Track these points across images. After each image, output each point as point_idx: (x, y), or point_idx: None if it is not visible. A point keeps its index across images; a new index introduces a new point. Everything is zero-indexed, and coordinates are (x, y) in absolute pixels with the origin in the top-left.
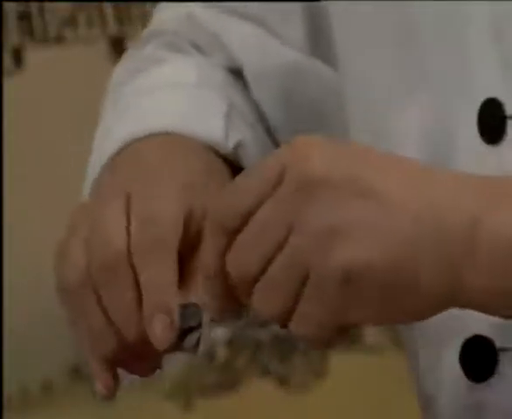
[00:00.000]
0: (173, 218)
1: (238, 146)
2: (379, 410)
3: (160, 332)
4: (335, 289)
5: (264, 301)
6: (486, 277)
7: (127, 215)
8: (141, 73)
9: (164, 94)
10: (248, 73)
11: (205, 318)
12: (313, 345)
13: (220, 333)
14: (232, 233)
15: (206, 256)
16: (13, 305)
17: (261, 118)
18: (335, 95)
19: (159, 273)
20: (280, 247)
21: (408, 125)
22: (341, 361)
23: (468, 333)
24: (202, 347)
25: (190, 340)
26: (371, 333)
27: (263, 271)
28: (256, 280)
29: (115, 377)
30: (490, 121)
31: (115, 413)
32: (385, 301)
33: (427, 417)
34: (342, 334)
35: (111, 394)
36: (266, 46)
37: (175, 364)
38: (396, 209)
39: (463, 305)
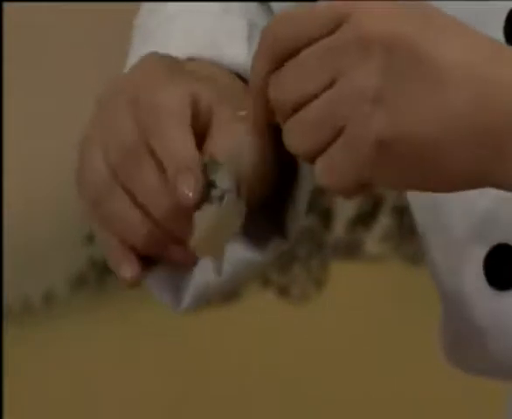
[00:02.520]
0: (180, 99)
1: None
2: (379, 319)
3: (186, 187)
4: (367, 149)
5: (293, 136)
6: None
7: (134, 109)
8: (162, 7)
9: (185, 22)
10: None
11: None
12: (331, 191)
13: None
14: (281, 58)
15: (253, 72)
16: (14, 215)
17: None
18: None
19: (174, 138)
20: (323, 89)
21: None
22: (341, 271)
23: (493, 242)
24: (226, 199)
25: (215, 193)
26: (372, 243)
27: (301, 105)
28: (293, 112)
29: (141, 266)
30: None
31: (116, 322)
32: (415, 172)
33: (445, 317)
34: (363, 190)
35: (137, 281)
36: None
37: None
38: (450, 88)
39: (500, 189)
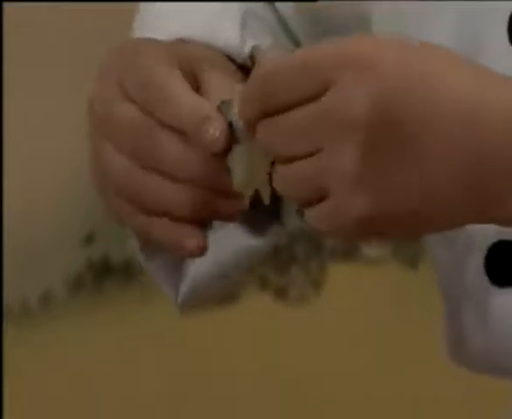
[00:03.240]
0: (167, 62)
1: (254, 51)
2: (378, 321)
3: (212, 134)
4: (349, 223)
5: (281, 184)
6: None
7: (126, 88)
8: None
9: (181, 10)
10: None
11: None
12: (324, 235)
13: None
14: (269, 110)
15: (242, 114)
16: (13, 215)
17: (280, 21)
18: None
19: (179, 99)
20: (308, 154)
21: (438, 38)
22: (339, 273)
23: (493, 239)
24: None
25: (238, 130)
26: (370, 245)
27: (289, 159)
28: (282, 159)
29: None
30: None
31: (114, 323)
32: (400, 234)
33: (449, 317)
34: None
35: (205, 248)
36: None
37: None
38: (431, 162)
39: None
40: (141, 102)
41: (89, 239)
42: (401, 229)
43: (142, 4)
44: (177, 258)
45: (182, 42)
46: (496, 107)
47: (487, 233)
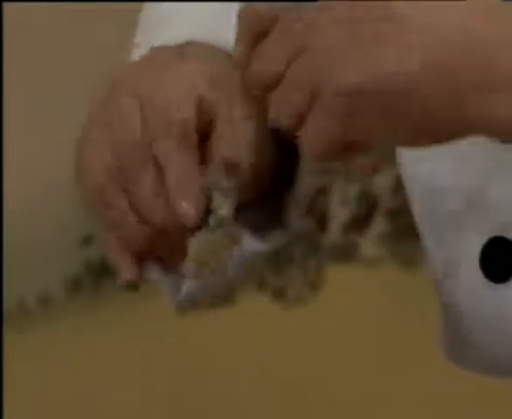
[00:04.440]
0: (185, 103)
1: None
2: (376, 322)
3: (186, 209)
4: (341, 106)
5: (276, 107)
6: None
7: (140, 108)
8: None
9: (187, 8)
10: None
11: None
12: (319, 157)
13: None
14: (259, 35)
15: (237, 52)
16: (12, 216)
17: None
18: None
19: (180, 156)
20: (294, 58)
21: None
22: (337, 274)
23: (490, 235)
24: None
25: (212, 219)
26: (368, 246)
27: (281, 75)
28: (275, 84)
29: (140, 269)
30: None
31: (112, 324)
32: (387, 122)
33: (445, 315)
34: (350, 151)
35: (135, 282)
36: None
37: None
38: (413, 34)
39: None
40: (149, 128)
41: (87, 240)
42: (388, 116)
43: (147, 4)
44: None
45: (189, 43)
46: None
47: (482, 230)
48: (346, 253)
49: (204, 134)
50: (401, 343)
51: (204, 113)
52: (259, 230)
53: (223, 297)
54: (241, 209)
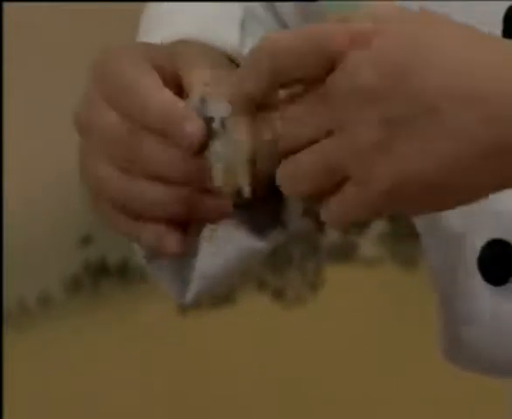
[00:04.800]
0: (143, 61)
1: None
2: (375, 321)
3: (188, 133)
4: (375, 198)
5: (290, 179)
6: None
7: (106, 94)
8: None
9: (181, 8)
10: None
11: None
12: (338, 230)
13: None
14: (274, 86)
15: (242, 89)
16: (12, 216)
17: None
18: None
19: (147, 97)
20: (317, 139)
21: None
22: (336, 274)
23: (488, 237)
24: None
25: (215, 124)
26: (367, 246)
27: (296, 149)
28: (288, 152)
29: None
30: None
31: (112, 324)
32: (427, 205)
33: (443, 316)
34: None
35: (182, 249)
36: None
37: None
38: (447, 116)
39: None
40: (120, 108)
41: (86, 240)
42: (424, 196)
43: (149, 4)
44: (181, 259)
45: (183, 42)
46: (493, 63)
47: (480, 232)
48: (345, 253)
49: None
50: (400, 343)
51: (169, 68)
52: (258, 228)
53: (223, 297)
54: (240, 209)
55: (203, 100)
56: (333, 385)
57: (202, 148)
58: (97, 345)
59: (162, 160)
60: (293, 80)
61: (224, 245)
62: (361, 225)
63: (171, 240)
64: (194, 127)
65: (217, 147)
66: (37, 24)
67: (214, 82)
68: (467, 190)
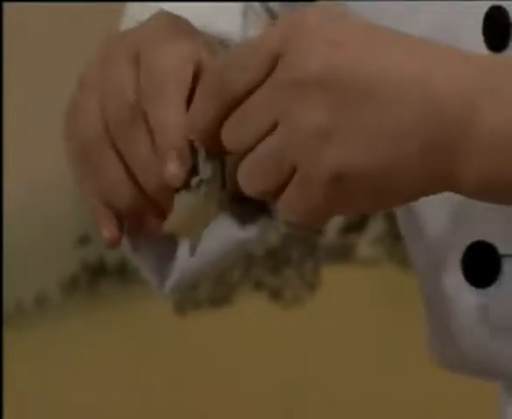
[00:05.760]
0: (180, 63)
1: None
2: (372, 322)
3: (172, 168)
4: (320, 187)
5: (247, 178)
6: (485, 162)
7: (136, 67)
8: None
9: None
10: None
11: (200, 154)
12: (295, 227)
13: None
14: (228, 104)
15: (199, 116)
16: (9, 216)
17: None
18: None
19: (166, 113)
20: (266, 134)
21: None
22: (334, 274)
23: (471, 239)
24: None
25: (194, 180)
26: (365, 246)
27: (249, 150)
28: (244, 154)
29: (121, 229)
30: (495, 29)
31: (109, 325)
32: (370, 200)
33: (429, 318)
34: (323, 220)
35: (115, 243)
36: None
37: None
38: (392, 108)
39: (456, 192)
40: (141, 87)
41: (84, 240)
42: (370, 194)
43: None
44: (163, 249)
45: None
46: (440, 69)
47: (464, 234)
48: (343, 253)
49: None
50: (398, 343)
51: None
52: (243, 219)
53: (221, 297)
54: (231, 201)
55: (196, 152)
56: (331, 384)
57: (178, 189)
58: (95, 345)
59: (143, 163)
60: (242, 93)
61: (208, 235)
62: (314, 231)
63: (106, 229)
64: (176, 171)
65: (184, 199)
66: (37, 24)
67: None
68: (409, 187)
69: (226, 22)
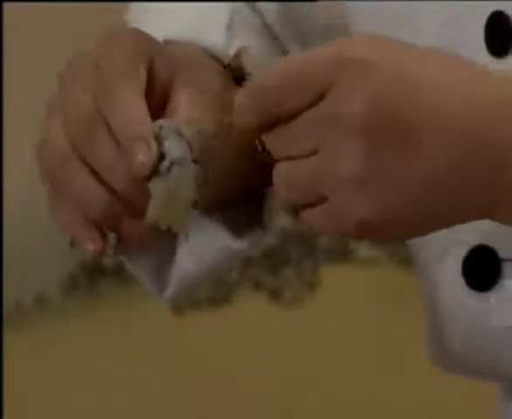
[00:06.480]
0: (131, 60)
1: (240, 52)
2: (372, 322)
3: (140, 157)
4: (349, 226)
5: (281, 184)
6: None
7: (93, 81)
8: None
9: (169, 4)
10: None
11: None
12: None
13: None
14: (269, 119)
15: (240, 121)
16: (9, 215)
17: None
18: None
19: (124, 106)
20: (309, 155)
21: (419, 42)
22: (334, 274)
23: (471, 243)
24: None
25: (164, 164)
26: (365, 246)
27: (290, 159)
28: (282, 159)
29: (104, 238)
30: (497, 34)
31: (109, 325)
32: (402, 238)
33: (429, 319)
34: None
35: (102, 252)
36: None
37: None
38: (432, 160)
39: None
40: (97, 94)
41: None
42: (401, 229)
43: (132, 5)
44: (160, 258)
45: (180, 45)
46: (485, 99)
47: (466, 238)
48: (342, 253)
49: (157, 105)
50: (397, 343)
51: (158, 80)
52: (236, 229)
53: (220, 297)
54: (223, 209)
55: (167, 129)
56: (331, 384)
57: (148, 178)
58: (94, 345)
59: (108, 164)
60: (285, 116)
61: (201, 245)
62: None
63: (89, 242)
64: (145, 158)
65: (158, 185)
66: (37, 24)
67: (199, 106)
68: (434, 229)
69: (210, 35)
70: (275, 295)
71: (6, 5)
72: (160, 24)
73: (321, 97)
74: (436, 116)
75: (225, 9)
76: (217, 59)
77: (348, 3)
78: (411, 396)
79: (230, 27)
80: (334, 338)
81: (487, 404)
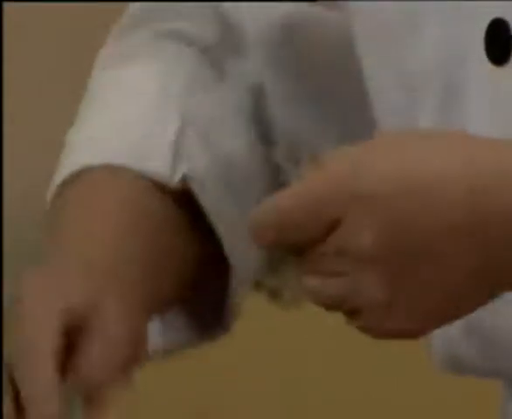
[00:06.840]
0: (48, 325)
1: (186, 178)
2: None
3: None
4: (379, 336)
5: (311, 288)
6: None
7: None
8: (114, 71)
9: (117, 115)
10: (250, 29)
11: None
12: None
13: None
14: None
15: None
16: (8, 215)
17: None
18: (342, 46)
19: (35, 383)
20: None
21: (424, 60)
22: None
23: (491, 16)
24: None
25: None
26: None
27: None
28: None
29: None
30: (497, 42)
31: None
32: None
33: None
34: None
35: None
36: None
37: None
38: (450, 272)
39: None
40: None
41: None
42: (430, 329)
43: (95, 70)
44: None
45: (111, 168)
46: (493, 193)
47: (485, 10)
48: None
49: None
50: (397, 343)
51: (74, 323)
52: (196, 321)
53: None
54: (182, 303)
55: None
56: (330, 385)
57: None
58: None
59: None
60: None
61: (169, 332)
62: None
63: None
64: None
65: None
66: (37, 24)
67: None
68: (466, 308)
69: (154, 163)
70: (275, 295)
71: (6, 5)
72: (96, 146)
73: (331, 230)
74: (444, 227)
75: (174, 119)
76: (161, 187)
77: (348, 3)
78: (412, 396)
79: (176, 146)
80: (334, 337)
81: (488, 403)
